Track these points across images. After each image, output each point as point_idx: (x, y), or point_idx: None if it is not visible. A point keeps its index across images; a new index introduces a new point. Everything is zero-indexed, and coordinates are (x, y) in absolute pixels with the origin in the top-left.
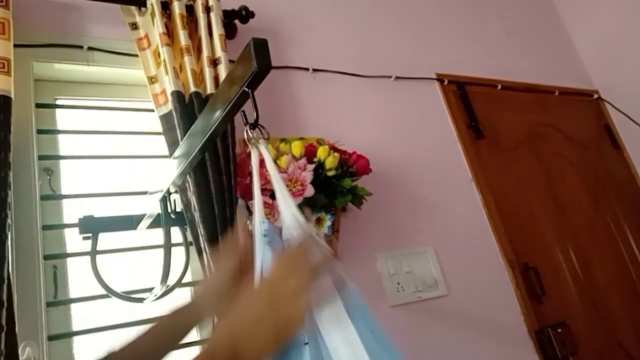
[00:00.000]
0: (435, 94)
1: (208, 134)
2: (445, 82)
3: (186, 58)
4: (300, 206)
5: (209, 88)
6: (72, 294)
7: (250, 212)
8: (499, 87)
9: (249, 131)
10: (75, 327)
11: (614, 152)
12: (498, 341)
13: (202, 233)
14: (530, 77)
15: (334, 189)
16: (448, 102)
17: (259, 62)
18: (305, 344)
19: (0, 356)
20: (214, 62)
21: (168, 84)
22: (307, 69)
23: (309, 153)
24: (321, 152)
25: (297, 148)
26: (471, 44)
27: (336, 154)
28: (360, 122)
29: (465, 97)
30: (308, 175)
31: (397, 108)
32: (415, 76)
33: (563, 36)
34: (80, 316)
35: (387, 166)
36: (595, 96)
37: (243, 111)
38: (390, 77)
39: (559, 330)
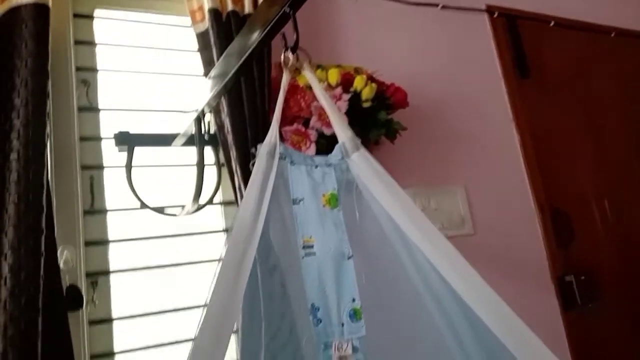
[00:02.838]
0: (483, 27)
1: (245, 56)
2: (495, 15)
3: None
4: (333, 136)
5: (247, 7)
6: (108, 206)
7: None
8: (552, 23)
9: (287, 54)
10: (111, 236)
11: None
12: (519, 283)
13: (235, 156)
14: (587, 15)
15: (369, 121)
16: (496, 37)
17: None
18: (350, 257)
19: (40, 257)
20: None
21: (205, 0)
22: None
23: (346, 82)
24: (358, 82)
25: (333, 76)
26: None
27: (374, 84)
28: (401, 52)
29: (514, 31)
30: (343, 105)
31: (441, 40)
32: (464, 6)
33: None
34: (114, 226)
35: (424, 100)
36: None
37: (283, 33)
38: (437, 5)
39: (582, 277)
